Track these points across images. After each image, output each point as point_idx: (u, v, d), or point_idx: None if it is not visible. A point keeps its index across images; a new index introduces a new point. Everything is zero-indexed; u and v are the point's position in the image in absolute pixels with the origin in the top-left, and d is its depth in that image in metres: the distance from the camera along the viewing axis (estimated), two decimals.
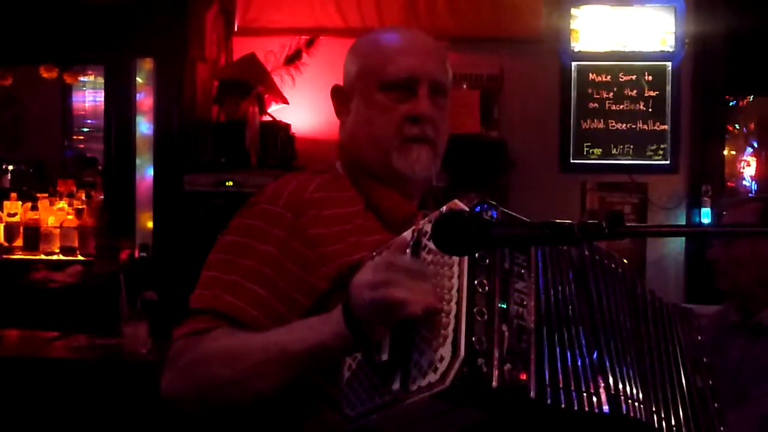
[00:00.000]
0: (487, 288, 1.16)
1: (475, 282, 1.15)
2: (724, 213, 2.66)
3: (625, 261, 1.37)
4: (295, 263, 1.43)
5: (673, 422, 1.28)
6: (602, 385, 1.20)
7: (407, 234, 1.27)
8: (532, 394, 1.12)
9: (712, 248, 2.41)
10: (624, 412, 1.20)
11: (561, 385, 1.15)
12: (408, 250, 1.25)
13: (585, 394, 1.17)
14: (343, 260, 1.42)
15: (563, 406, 1.15)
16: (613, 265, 1.35)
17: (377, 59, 1.54)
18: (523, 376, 1.12)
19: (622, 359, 1.25)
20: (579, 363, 1.19)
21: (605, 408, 1.18)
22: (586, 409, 1.16)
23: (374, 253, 1.32)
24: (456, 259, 1.18)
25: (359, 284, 1.21)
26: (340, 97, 1.60)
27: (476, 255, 1.17)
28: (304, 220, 1.45)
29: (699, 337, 1.46)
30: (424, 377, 1.13)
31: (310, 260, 1.43)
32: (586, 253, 1.31)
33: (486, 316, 1.13)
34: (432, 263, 1.21)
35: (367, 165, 1.55)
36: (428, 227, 1.22)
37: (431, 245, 1.21)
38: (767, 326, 2.31)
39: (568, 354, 1.19)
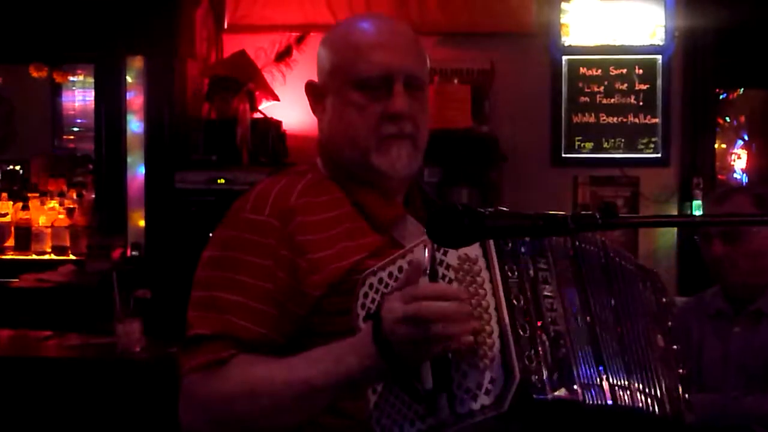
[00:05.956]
0: (522, 301, 1.15)
1: (512, 297, 1.15)
2: (712, 208, 2.68)
3: (597, 236, 1.36)
4: (287, 273, 1.39)
5: (647, 393, 1.29)
6: (604, 377, 1.21)
7: (419, 250, 1.23)
8: (579, 398, 1.13)
9: (715, 246, 2.39)
10: (621, 403, 1.22)
11: (587, 383, 1.17)
12: (426, 270, 1.21)
13: (597, 389, 1.19)
14: (333, 266, 1.39)
15: (593, 403, 1.16)
16: (591, 247, 1.34)
17: (349, 55, 1.48)
18: (569, 382, 1.13)
19: (611, 346, 1.26)
20: (588, 359, 1.20)
21: (609, 401, 1.20)
22: (601, 403, 1.18)
23: (375, 268, 1.30)
24: (485, 275, 1.17)
25: (393, 318, 1.18)
26: (314, 93, 1.56)
27: (505, 268, 1.16)
28: (291, 227, 1.41)
29: (663, 300, 1.45)
30: (475, 400, 1.12)
31: (301, 269, 1.39)
32: (576, 243, 1.31)
33: (528, 331, 1.13)
34: (457, 280, 1.19)
35: (346, 164, 1.51)
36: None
37: (449, 260, 1.20)
38: (767, 312, 2.35)
39: (590, 353, 1.21)
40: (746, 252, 2.35)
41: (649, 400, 1.27)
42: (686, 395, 1.37)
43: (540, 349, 1.12)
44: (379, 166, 1.47)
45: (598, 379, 1.19)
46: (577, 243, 1.30)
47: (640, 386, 1.27)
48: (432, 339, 1.15)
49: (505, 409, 1.09)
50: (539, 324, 1.15)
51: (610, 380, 1.21)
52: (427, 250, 1.21)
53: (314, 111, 1.57)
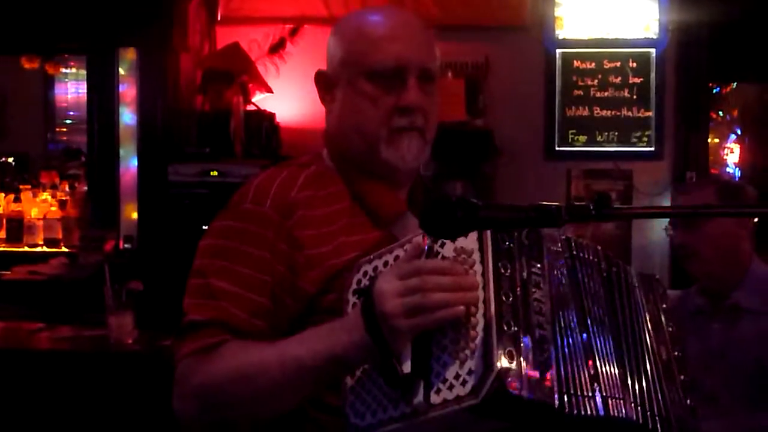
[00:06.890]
0: (511, 298, 1.15)
1: (501, 292, 1.15)
2: (679, 198, 2.70)
3: (598, 247, 1.36)
4: (285, 267, 1.39)
5: (647, 406, 1.28)
6: (597, 388, 1.20)
7: (416, 240, 1.23)
8: (556, 404, 1.12)
9: (677, 235, 2.43)
10: (613, 414, 1.21)
11: (573, 392, 1.16)
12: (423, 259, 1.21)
13: (586, 399, 1.17)
14: (330, 263, 1.39)
15: (578, 413, 1.15)
16: (591, 257, 1.33)
17: (362, 46, 1.47)
18: (548, 386, 1.12)
19: (607, 355, 1.26)
20: (580, 368, 1.19)
21: (601, 411, 1.19)
22: (589, 414, 1.17)
23: (371, 256, 1.30)
24: (478, 268, 1.17)
25: (387, 293, 1.17)
26: (324, 83, 1.54)
27: (498, 264, 1.16)
28: (291, 222, 1.40)
29: (664, 305, 1.45)
30: (451, 390, 1.11)
31: (298, 263, 1.39)
32: (574, 252, 1.30)
33: (513, 327, 1.13)
34: None
35: (354, 156, 1.50)
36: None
37: (445, 252, 1.20)
38: (744, 307, 2.35)
39: (579, 359, 1.20)
40: (703, 237, 2.37)
41: (648, 414, 1.26)
42: (689, 402, 1.37)
43: (522, 348, 1.12)
44: (388, 158, 1.47)
45: (588, 389, 1.18)
46: (575, 252, 1.30)
47: (638, 399, 1.26)
48: (425, 307, 1.14)
49: (479, 400, 1.08)
50: (525, 324, 1.14)
51: (603, 390, 1.20)
52: (424, 241, 1.21)
53: (323, 101, 1.56)
